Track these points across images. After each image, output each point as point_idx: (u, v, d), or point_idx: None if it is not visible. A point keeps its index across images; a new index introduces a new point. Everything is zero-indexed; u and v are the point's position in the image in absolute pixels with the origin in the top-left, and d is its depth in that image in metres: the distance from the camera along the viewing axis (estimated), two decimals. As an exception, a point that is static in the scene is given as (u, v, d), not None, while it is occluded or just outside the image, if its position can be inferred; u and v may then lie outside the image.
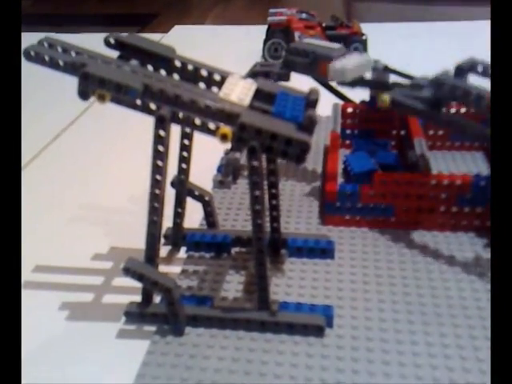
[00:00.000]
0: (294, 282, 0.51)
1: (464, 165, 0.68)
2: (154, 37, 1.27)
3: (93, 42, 0.54)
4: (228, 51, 1.14)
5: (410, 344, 0.44)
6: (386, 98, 0.52)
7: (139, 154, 0.61)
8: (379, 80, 0.61)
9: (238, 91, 0.43)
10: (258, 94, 0.44)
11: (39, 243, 0.59)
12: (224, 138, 0.41)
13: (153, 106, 0.43)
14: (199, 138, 0.48)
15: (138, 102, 0.43)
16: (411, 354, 0.43)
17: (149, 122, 0.44)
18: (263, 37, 1.07)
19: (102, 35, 0.47)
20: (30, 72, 0.49)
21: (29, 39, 0.48)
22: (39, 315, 0.49)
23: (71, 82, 0.45)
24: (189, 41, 1.24)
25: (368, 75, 0.62)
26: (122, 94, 0.40)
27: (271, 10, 1.08)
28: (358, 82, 0.60)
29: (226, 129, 0.41)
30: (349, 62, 0.56)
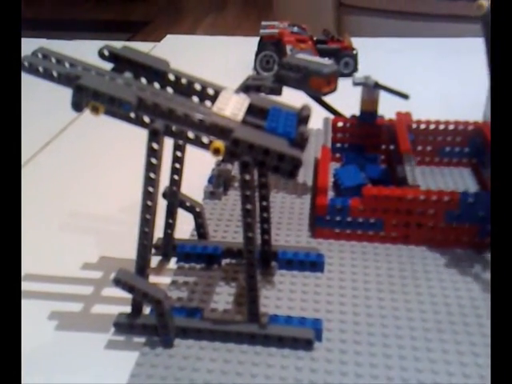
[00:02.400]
0: (283, 295, 0.51)
1: (452, 181, 0.69)
2: (147, 46, 1.27)
3: (86, 49, 0.54)
4: (220, 62, 1.15)
5: (398, 358, 0.44)
6: (483, 2, 0.47)
7: (131, 162, 0.61)
8: None
9: (232, 106, 0.44)
10: (251, 109, 0.45)
11: (28, 251, 0.58)
12: (217, 152, 0.41)
13: (146, 119, 0.44)
14: (190, 148, 0.48)
15: (132, 114, 0.44)
16: (399, 369, 0.43)
17: (142, 131, 0.44)
18: (254, 48, 1.08)
19: (95, 42, 0.47)
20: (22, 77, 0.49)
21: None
22: (28, 324, 0.48)
23: (61, 91, 0.45)
24: (181, 51, 1.24)
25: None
26: (115, 107, 0.41)
27: (263, 23, 1.09)
28: None
29: (219, 143, 0.41)
30: None
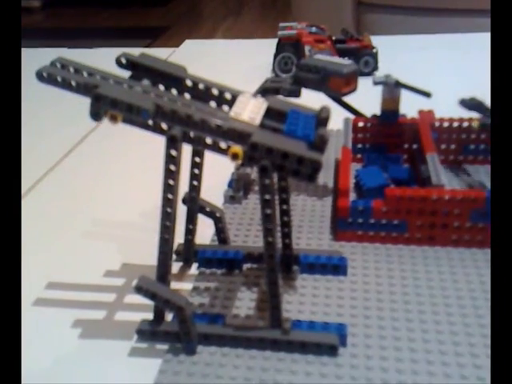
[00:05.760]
0: (306, 300, 0.51)
1: (477, 179, 0.67)
2: (166, 51, 1.28)
3: (106, 57, 0.54)
4: (239, 65, 1.15)
5: (425, 363, 0.43)
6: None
7: (151, 169, 0.61)
8: None
9: (249, 110, 0.43)
10: (269, 113, 0.44)
11: (52, 260, 0.59)
12: (235, 157, 0.41)
13: (164, 126, 0.44)
14: (209, 153, 0.48)
15: (150, 122, 0.44)
16: (426, 374, 0.42)
17: (160, 138, 0.44)
18: (273, 50, 1.07)
19: (115, 50, 0.47)
20: (42, 89, 0.49)
21: (41, 54, 0.48)
22: (51, 332, 0.49)
23: (83, 100, 0.46)
24: (200, 55, 1.25)
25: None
26: (133, 115, 0.41)
27: (281, 25, 1.08)
28: None
29: (237, 148, 0.41)
30: None
